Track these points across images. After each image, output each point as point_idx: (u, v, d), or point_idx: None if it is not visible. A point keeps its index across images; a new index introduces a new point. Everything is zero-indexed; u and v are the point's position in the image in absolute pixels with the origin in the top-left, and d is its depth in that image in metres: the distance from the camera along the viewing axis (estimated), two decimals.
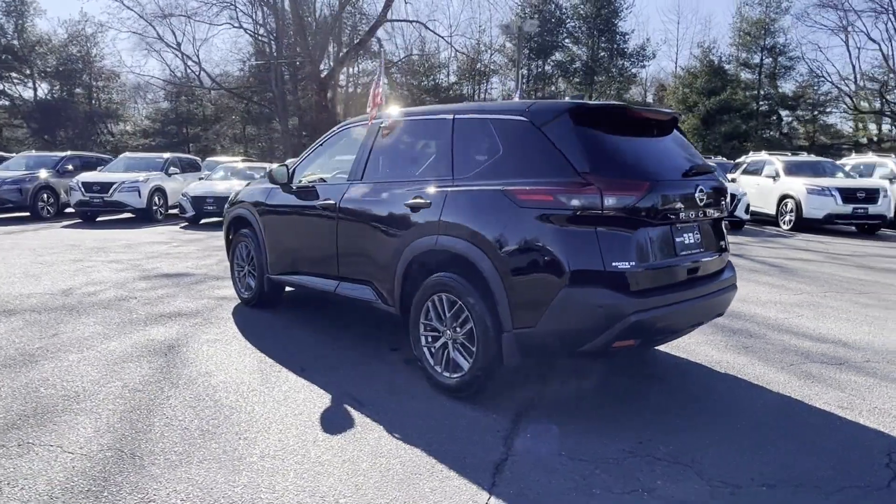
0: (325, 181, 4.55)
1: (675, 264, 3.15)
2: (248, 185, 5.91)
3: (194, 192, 12.93)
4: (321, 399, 3.42)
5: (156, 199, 13.82)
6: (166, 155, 16.07)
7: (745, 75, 38.99)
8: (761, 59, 38.83)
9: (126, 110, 42.33)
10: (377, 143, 4.14)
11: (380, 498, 2.42)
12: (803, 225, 12.82)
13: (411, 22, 30.89)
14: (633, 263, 2.92)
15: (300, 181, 4.72)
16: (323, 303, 5.53)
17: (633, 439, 2.94)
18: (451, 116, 3.65)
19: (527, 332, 3.01)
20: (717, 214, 3.47)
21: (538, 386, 3.65)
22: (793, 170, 13.78)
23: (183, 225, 12.86)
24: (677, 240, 3.18)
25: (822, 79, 38.53)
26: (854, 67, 45.20)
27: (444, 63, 40.18)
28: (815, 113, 39.44)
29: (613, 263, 2.88)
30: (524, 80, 37.51)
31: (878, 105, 37.86)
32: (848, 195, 12.46)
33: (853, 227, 13.39)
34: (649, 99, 44.05)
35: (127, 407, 3.24)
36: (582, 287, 2.87)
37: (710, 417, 3.25)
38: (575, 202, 2.87)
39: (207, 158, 20.78)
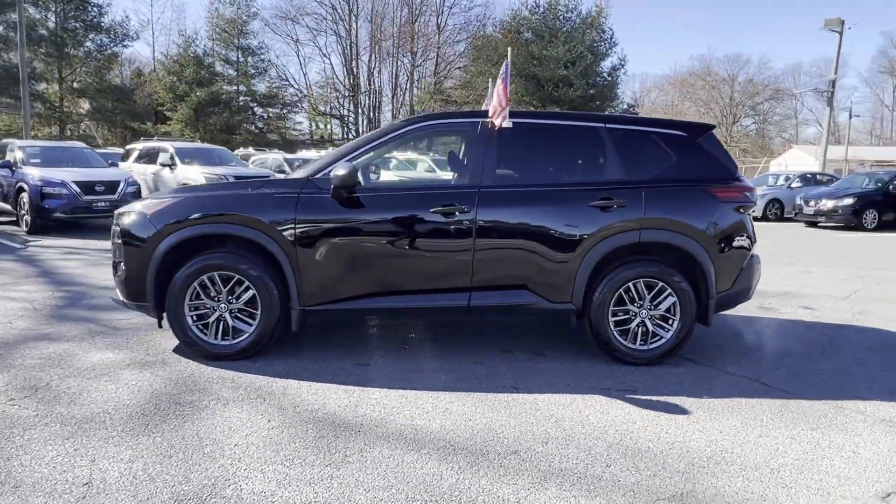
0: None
1: None
2: (187, 191, 3.94)
3: None
4: (623, 404, 3.51)
5: None
6: None
7: (229, 71, 40.83)
8: (238, 57, 41.44)
9: None
10: (503, 146, 4.03)
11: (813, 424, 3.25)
12: None
13: None
14: None
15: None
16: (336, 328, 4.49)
17: (753, 367, 4.46)
18: (600, 125, 4.13)
19: (724, 295, 4.10)
20: None
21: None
22: (189, 157, 13.08)
23: None
24: None
25: (288, 82, 44.38)
26: (305, 75, 53.42)
27: None
28: (285, 111, 45.06)
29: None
30: None
31: (329, 109, 46.48)
32: None
33: None
34: (126, 82, 40.59)
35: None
36: (754, 255, 4.20)
37: (777, 341, 5.06)
38: (750, 196, 4.15)
39: None
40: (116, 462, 2.63)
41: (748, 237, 4.14)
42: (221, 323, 3.90)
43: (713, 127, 4.34)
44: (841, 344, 4.77)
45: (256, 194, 3.89)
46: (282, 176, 13.87)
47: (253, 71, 42.10)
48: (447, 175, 5.46)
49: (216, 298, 3.88)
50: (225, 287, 3.86)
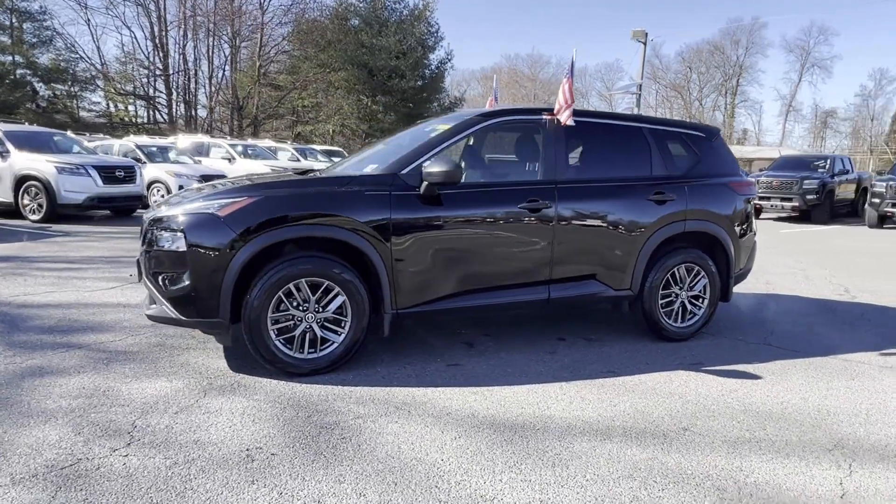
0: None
1: None
2: (262, 189, 3.40)
3: None
4: (707, 376, 3.91)
5: None
6: None
7: (0, 38, 34.08)
8: (11, 22, 34.81)
9: None
10: (566, 143, 4.18)
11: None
12: (58, 213, 10.26)
13: None
14: None
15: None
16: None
17: (756, 334, 5.25)
18: (639, 125, 4.51)
19: (740, 272, 4.77)
20: None
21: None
22: (26, 144, 10.75)
23: None
24: None
25: (79, 56, 38.37)
26: (99, 48, 46.61)
27: None
28: (76, 89, 38.97)
29: None
30: None
31: (132, 87, 41.23)
32: (107, 174, 10.50)
33: (109, 211, 11.43)
34: None
35: None
36: (755, 240, 4.93)
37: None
38: (754, 189, 4.85)
39: None
40: (343, 498, 2.34)
41: (753, 224, 4.86)
42: (307, 335, 3.53)
43: (720, 130, 4.98)
44: (790, 309, 5.81)
45: (348, 192, 3.57)
46: (143, 167, 12.21)
47: (34, 40, 35.74)
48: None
49: (302, 308, 3.50)
50: (313, 294, 3.50)
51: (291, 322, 3.50)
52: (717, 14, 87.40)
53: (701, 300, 4.61)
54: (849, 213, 16.73)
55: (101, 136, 17.44)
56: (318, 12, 41.39)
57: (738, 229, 4.69)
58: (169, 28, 39.24)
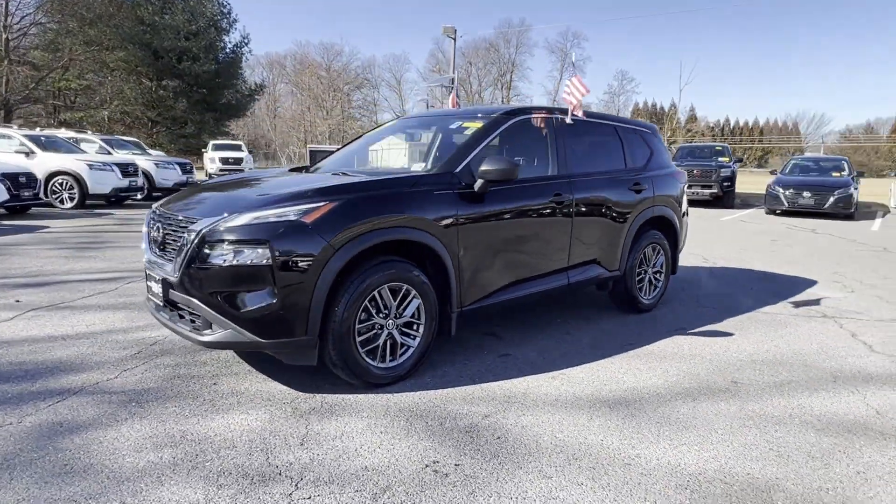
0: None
1: None
2: (339, 193, 3.05)
3: None
4: (702, 338, 4.58)
5: None
6: None
7: None
8: None
9: None
10: (570, 139, 4.51)
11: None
12: None
13: None
14: None
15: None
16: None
17: (692, 299, 6.17)
18: (612, 123, 5.05)
19: (681, 248, 5.61)
20: None
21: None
22: None
23: None
24: None
25: None
26: None
27: None
28: None
29: None
30: None
31: None
32: None
33: None
34: None
35: None
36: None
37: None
38: (686, 178, 5.71)
39: None
40: (567, 490, 2.42)
41: (685, 207, 5.74)
42: (388, 342, 3.38)
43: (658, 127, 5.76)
44: (689, 277, 6.94)
45: (419, 192, 3.45)
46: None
47: None
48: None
49: (383, 315, 3.34)
50: (395, 299, 3.36)
51: (372, 332, 3.32)
52: (492, 13, 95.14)
53: (660, 275, 5.35)
54: None
55: None
56: None
57: (681, 210, 5.53)
58: None
